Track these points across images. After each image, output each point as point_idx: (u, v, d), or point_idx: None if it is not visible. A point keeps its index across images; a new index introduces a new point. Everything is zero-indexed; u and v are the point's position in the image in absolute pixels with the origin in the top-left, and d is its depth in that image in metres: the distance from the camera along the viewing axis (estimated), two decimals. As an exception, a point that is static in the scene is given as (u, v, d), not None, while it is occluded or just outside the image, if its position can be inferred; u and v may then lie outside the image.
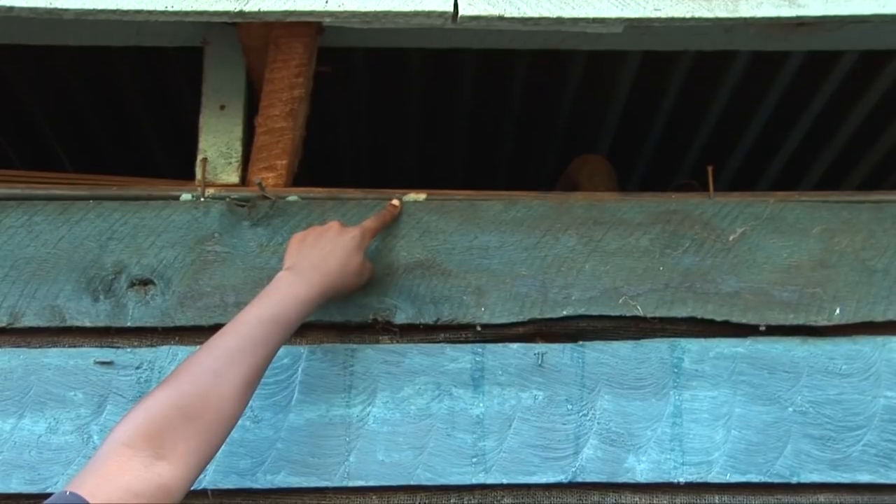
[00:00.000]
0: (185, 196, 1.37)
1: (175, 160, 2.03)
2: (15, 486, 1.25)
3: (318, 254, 1.26)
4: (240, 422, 1.23)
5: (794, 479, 1.29)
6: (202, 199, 1.37)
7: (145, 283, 1.32)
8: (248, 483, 1.27)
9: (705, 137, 2.28)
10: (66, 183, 1.43)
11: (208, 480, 1.26)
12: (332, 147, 2.33)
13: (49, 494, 1.19)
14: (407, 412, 1.31)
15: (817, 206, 1.39)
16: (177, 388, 1.08)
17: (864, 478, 1.29)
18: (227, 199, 1.37)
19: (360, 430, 1.30)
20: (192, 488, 1.18)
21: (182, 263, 1.33)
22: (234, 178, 1.43)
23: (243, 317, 1.18)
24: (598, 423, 1.31)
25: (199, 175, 1.42)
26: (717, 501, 1.29)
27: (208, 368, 1.11)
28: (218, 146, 1.44)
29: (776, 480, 1.29)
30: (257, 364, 1.15)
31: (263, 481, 1.27)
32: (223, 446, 1.20)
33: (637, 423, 1.31)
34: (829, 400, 1.31)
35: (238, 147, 1.45)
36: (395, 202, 1.38)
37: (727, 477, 1.29)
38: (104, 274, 1.32)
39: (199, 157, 1.44)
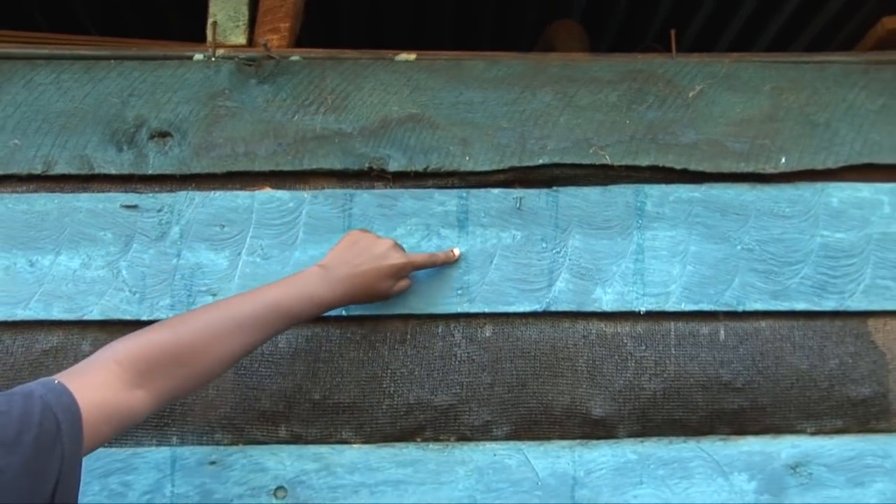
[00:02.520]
0: (198, 56, 1.41)
1: (188, 24, 2.04)
2: (56, 313, 1.32)
3: (356, 269, 1.25)
4: (251, 258, 1.32)
5: (741, 308, 1.36)
6: (213, 59, 1.41)
7: (164, 135, 1.37)
8: None
9: (669, 4, 2.33)
10: (90, 44, 1.45)
11: None
12: (332, 11, 2.38)
13: (85, 321, 1.32)
14: None
15: (767, 66, 1.44)
16: (179, 334, 1.11)
17: (801, 306, 1.37)
18: (236, 59, 1.41)
19: None
20: None
21: (196, 117, 1.38)
22: (242, 39, 1.45)
23: (262, 296, 1.19)
24: (569, 260, 1.36)
25: (209, 37, 1.45)
26: (672, 327, 1.36)
27: (213, 329, 1.13)
28: (227, 10, 1.46)
29: (725, 309, 1.36)
30: (255, 342, 1.17)
31: None
32: (238, 279, 1.30)
33: (604, 259, 1.36)
34: (773, 239, 1.38)
35: (245, 11, 1.47)
36: (456, 252, 1.35)
37: (682, 306, 1.36)
38: (126, 127, 1.37)
39: (210, 21, 1.46)
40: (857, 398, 1.36)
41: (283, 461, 1.31)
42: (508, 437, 1.34)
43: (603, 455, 1.33)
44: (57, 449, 0.94)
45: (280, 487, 1.30)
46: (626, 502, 1.32)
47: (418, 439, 1.33)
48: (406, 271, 1.30)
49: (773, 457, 1.35)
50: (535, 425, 1.34)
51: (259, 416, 1.32)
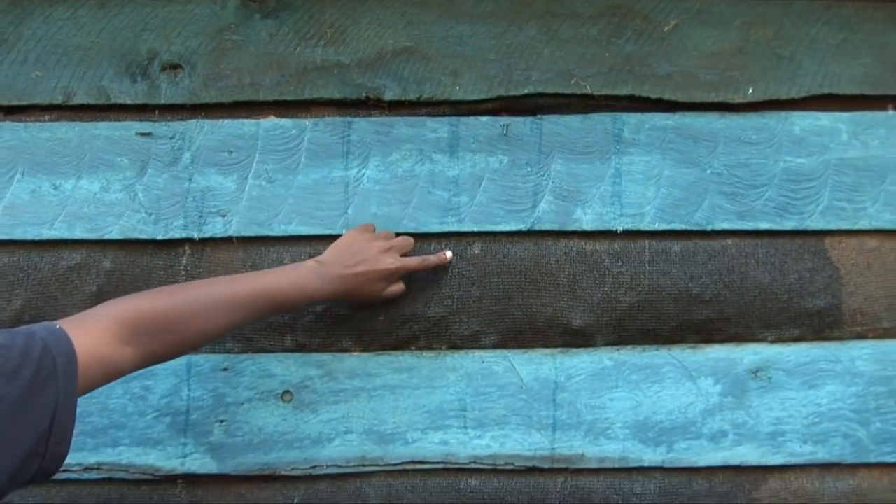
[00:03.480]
0: (205, -8, 1.43)
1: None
2: (78, 233, 1.37)
3: (350, 269, 1.29)
4: (257, 181, 1.37)
5: (709, 227, 1.42)
6: (219, -5, 1.43)
7: (175, 67, 1.41)
8: (265, 231, 1.39)
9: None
10: (103, -20, 1.45)
11: (234, 230, 1.38)
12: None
13: (105, 241, 1.36)
14: (395, 173, 1.41)
15: (738, 3, 1.45)
16: (175, 303, 1.16)
17: (764, 225, 1.43)
18: (241, -5, 1.42)
19: (357, 189, 1.40)
20: (219, 237, 1.37)
21: (205, 50, 1.41)
22: (246, -24, 1.45)
23: (257, 280, 1.23)
24: (552, 182, 1.41)
25: (214, -25, 1.46)
26: (647, 245, 1.42)
27: (205, 304, 1.17)
28: (231, -52, 1.47)
29: (695, 228, 1.42)
30: (242, 321, 1.21)
31: (278, 230, 1.38)
32: (245, 201, 1.38)
33: (584, 182, 1.42)
34: (740, 163, 1.43)
35: (248, -51, 1.48)
36: (448, 255, 1.39)
37: (656, 225, 1.42)
38: (140, 59, 1.40)
39: (214, -41, 1.47)
40: (813, 309, 1.45)
41: (288, 368, 1.39)
42: (495, 346, 1.41)
43: (582, 362, 1.42)
44: (52, 386, 0.99)
45: (286, 391, 1.38)
46: (603, 404, 1.41)
47: (413, 348, 1.41)
48: (398, 275, 1.34)
49: (737, 363, 1.43)
50: (519, 335, 1.42)
51: (266, 327, 1.40)
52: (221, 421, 1.38)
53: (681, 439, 1.42)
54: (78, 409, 1.28)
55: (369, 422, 1.39)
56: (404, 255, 1.37)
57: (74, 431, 1.18)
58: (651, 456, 1.42)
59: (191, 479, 1.38)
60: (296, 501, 1.38)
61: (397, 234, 1.41)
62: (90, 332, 1.08)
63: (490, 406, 1.40)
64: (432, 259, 1.37)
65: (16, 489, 0.98)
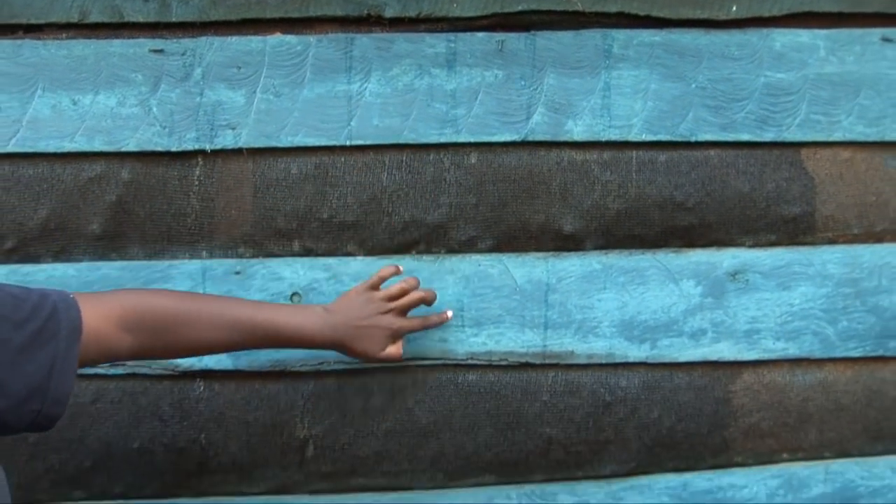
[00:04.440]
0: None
1: None
2: (97, 146, 1.41)
3: (354, 322, 1.31)
4: (264, 95, 1.40)
5: (693, 139, 1.47)
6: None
7: None
8: (273, 143, 1.42)
9: None
10: None
11: (243, 142, 1.42)
12: None
13: (123, 153, 1.40)
14: (396, 87, 1.44)
15: None
16: (181, 308, 1.20)
17: (745, 136, 1.48)
18: (246, -84, 1.42)
19: (359, 102, 1.44)
20: (230, 148, 1.41)
21: None
22: None
23: (264, 312, 1.26)
24: (544, 96, 1.45)
25: None
26: (634, 155, 1.47)
27: (208, 318, 1.21)
28: None
29: (680, 139, 1.47)
30: (237, 345, 1.25)
31: (285, 141, 1.43)
32: (254, 115, 1.40)
33: (575, 96, 1.46)
34: (723, 78, 1.48)
35: None
36: (449, 314, 1.41)
37: (643, 137, 1.47)
38: None
39: None
40: (788, 216, 1.51)
41: (297, 271, 1.45)
42: (491, 250, 1.48)
43: (572, 265, 1.49)
44: (52, 347, 1.03)
45: (295, 293, 1.45)
46: (592, 305, 1.49)
47: (413, 252, 1.47)
48: (399, 335, 1.35)
49: (717, 266, 1.50)
50: (514, 240, 1.48)
51: (275, 233, 1.45)
52: (235, 321, 1.45)
53: (663, 337, 1.51)
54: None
55: (373, 321, 1.47)
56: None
57: None
58: (636, 352, 1.50)
59: (208, 375, 1.46)
60: (305, 394, 1.47)
61: (399, 145, 1.45)
62: (99, 312, 1.12)
63: (486, 306, 1.48)
64: (433, 319, 1.39)
65: (13, 433, 1.04)
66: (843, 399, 1.55)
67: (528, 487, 1.50)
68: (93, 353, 1.11)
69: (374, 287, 1.36)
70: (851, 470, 1.56)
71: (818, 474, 1.55)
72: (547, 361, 1.48)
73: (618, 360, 1.49)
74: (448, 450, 1.47)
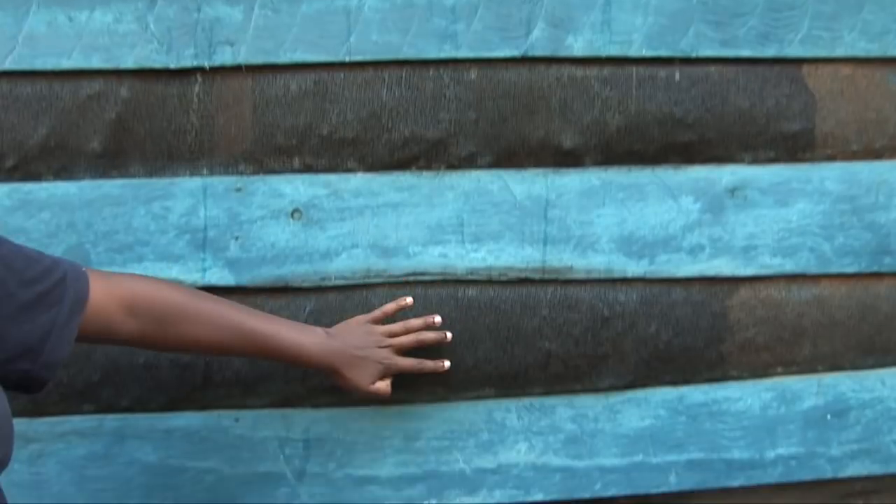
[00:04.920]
0: None
1: None
2: (96, 63, 1.39)
3: (352, 350, 1.31)
4: (262, 11, 1.39)
5: (694, 54, 1.46)
6: None
7: None
8: (272, 59, 1.40)
9: None
10: None
11: (242, 58, 1.40)
12: None
13: (121, 70, 1.39)
14: (394, 2, 1.41)
15: None
16: (191, 305, 1.22)
17: (746, 53, 1.48)
18: None
19: (359, 17, 1.41)
20: (229, 65, 1.40)
21: None
22: None
23: (267, 324, 1.27)
24: (545, 11, 1.43)
25: None
26: (634, 71, 1.47)
27: (214, 318, 1.23)
28: None
29: (680, 55, 1.46)
30: (237, 350, 1.28)
31: (285, 57, 1.40)
32: (252, 31, 1.39)
33: (575, 11, 1.44)
34: None
35: None
36: (446, 364, 1.40)
37: (643, 52, 1.46)
38: None
39: None
40: (788, 133, 1.51)
41: (297, 188, 1.45)
42: (490, 166, 1.47)
43: (572, 181, 1.49)
44: (53, 313, 1.05)
45: (296, 210, 1.45)
46: (591, 220, 1.49)
47: (413, 168, 1.46)
48: (391, 372, 1.35)
49: (716, 182, 1.51)
50: (513, 156, 1.47)
51: (275, 150, 1.44)
52: (237, 238, 1.45)
53: (662, 253, 1.51)
54: (104, 228, 1.38)
55: (373, 237, 1.47)
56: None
57: (105, 246, 1.30)
58: (634, 268, 1.51)
59: (211, 291, 1.44)
60: (307, 310, 1.48)
61: (398, 62, 1.44)
62: (109, 290, 1.13)
63: (486, 222, 1.48)
64: (429, 365, 1.38)
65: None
66: (838, 314, 1.57)
67: (526, 400, 1.52)
68: (93, 329, 1.12)
69: (377, 321, 1.37)
70: (843, 383, 1.58)
71: (811, 387, 1.57)
72: (546, 277, 1.49)
73: (616, 276, 1.51)
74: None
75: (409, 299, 1.41)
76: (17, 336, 1.02)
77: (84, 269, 1.11)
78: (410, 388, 1.48)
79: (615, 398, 1.54)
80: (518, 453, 1.52)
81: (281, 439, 1.49)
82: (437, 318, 1.39)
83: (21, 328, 1.02)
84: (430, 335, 1.38)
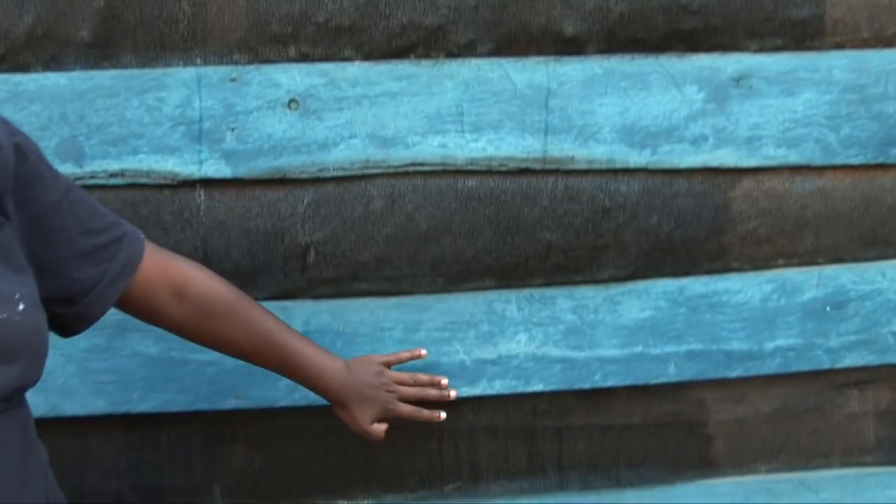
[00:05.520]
0: None
1: None
2: None
3: (362, 388, 1.32)
4: None
5: None
6: None
7: None
8: None
9: None
10: None
11: None
12: None
13: None
14: None
15: None
16: (241, 305, 1.23)
17: None
18: None
19: None
20: None
21: None
22: None
23: (295, 340, 1.28)
24: None
25: None
26: None
27: (251, 322, 1.24)
28: None
29: None
30: (259, 358, 1.27)
31: None
32: None
33: None
34: None
35: None
36: (443, 416, 1.39)
37: None
38: None
39: None
40: (796, 19, 1.47)
41: (293, 77, 1.42)
42: (490, 54, 1.44)
43: (573, 69, 1.46)
44: (103, 268, 1.05)
45: (293, 100, 1.42)
46: (593, 110, 1.46)
47: (411, 56, 1.43)
48: (388, 416, 1.35)
49: (720, 71, 1.47)
50: (514, 43, 1.44)
51: (271, 38, 1.41)
52: (233, 129, 1.43)
53: (664, 142, 1.49)
54: (97, 121, 1.36)
55: (372, 127, 1.44)
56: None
57: (99, 139, 1.30)
58: (636, 158, 1.49)
59: (208, 183, 1.45)
60: (305, 201, 1.46)
61: None
62: (163, 267, 1.14)
63: (486, 111, 1.45)
64: (424, 413, 1.38)
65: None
66: (841, 206, 1.55)
67: (527, 291, 1.52)
68: (136, 299, 1.12)
69: (389, 365, 1.38)
70: (844, 275, 1.58)
71: (811, 279, 1.57)
72: (547, 167, 1.47)
73: (618, 166, 1.49)
74: (448, 255, 1.48)
75: (424, 351, 1.42)
76: (64, 281, 1.02)
77: (144, 237, 1.12)
78: (411, 280, 1.48)
79: (615, 289, 1.53)
80: (518, 344, 1.52)
81: (281, 331, 1.48)
82: (445, 381, 1.40)
83: (70, 275, 1.02)
84: (433, 392, 1.39)
